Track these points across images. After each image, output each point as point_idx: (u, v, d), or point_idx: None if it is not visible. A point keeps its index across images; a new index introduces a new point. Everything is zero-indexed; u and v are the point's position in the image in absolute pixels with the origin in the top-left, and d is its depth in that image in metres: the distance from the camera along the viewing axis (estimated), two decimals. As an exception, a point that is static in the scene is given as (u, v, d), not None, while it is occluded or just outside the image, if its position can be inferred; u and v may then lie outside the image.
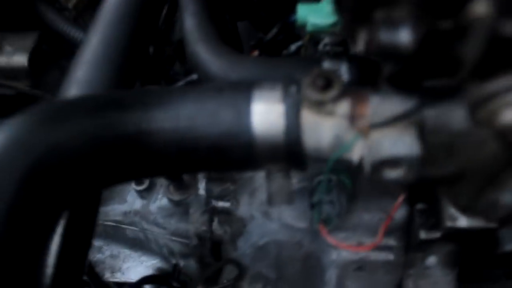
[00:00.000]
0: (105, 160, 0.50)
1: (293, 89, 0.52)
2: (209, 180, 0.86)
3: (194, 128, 0.52)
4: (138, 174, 0.58)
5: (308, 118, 0.51)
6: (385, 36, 0.42)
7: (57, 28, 1.07)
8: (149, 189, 0.95)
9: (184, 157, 0.54)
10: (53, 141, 0.46)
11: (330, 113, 0.49)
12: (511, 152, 0.46)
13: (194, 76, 0.84)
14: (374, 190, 0.70)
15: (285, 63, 0.65)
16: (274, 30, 0.71)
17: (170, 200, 0.90)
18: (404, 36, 0.41)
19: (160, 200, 0.93)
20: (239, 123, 0.52)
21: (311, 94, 0.50)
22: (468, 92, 0.40)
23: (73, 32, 1.06)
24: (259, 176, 0.80)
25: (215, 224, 0.86)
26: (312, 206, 0.67)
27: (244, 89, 0.53)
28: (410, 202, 0.68)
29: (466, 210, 0.58)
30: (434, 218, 0.63)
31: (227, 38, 0.74)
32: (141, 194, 0.95)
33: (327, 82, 0.50)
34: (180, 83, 0.84)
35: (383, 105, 0.47)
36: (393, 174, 0.48)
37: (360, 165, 0.51)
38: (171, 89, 0.57)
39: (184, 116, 0.53)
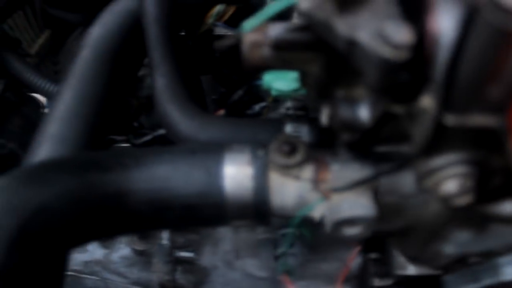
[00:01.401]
0: (86, 220, 0.53)
1: (260, 152, 0.57)
2: (172, 230, 0.89)
3: (168, 189, 0.56)
4: (114, 232, 0.61)
5: (274, 180, 0.56)
6: (345, 112, 0.48)
7: (21, 76, 1.08)
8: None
9: (158, 216, 0.57)
10: (40, 203, 0.48)
11: (295, 176, 0.54)
12: (450, 212, 0.53)
13: (161, 131, 0.88)
14: (331, 242, 0.75)
15: (251, 125, 0.71)
16: (240, 92, 0.77)
17: (133, 249, 0.92)
18: (363, 113, 0.48)
19: (123, 250, 0.95)
20: (211, 184, 0.56)
21: (278, 158, 0.55)
22: (416, 165, 0.46)
23: (37, 81, 1.08)
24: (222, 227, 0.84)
25: (178, 274, 0.88)
26: (276, 257, 0.71)
27: (215, 152, 0.58)
28: (364, 252, 0.73)
29: (414, 259, 0.65)
30: (386, 267, 0.69)
31: (193, 93, 0.79)
32: (103, 243, 0.96)
33: (292, 148, 0.55)
34: (147, 137, 0.88)
35: (343, 171, 0.52)
36: (351, 231, 0.53)
37: (321, 223, 0.56)
38: (146, 150, 0.60)
39: (159, 177, 0.56)
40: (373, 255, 0.71)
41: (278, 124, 0.69)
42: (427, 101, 0.40)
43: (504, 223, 0.53)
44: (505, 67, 0.35)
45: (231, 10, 0.84)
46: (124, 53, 0.80)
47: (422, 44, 0.38)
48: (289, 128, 0.68)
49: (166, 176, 0.56)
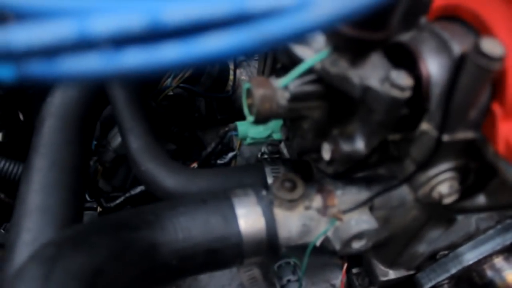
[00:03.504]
0: (128, 277, 0.56)
1: (263, 192, 0.65)
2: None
3: (191, 237, 0.61)
4: (146, 285, 0.63)
5: (280, 214, 0.64)
6: (345, 146, 0.59)
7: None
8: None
9: (185, 264, 0.62)
10: (96, 267, 0.51)
11: (306, 207, 0.62)
12: (430, 214, 0.66)
13: (133, 192, 0.90)
14: (317, 265, 0.83)
15: (234, 172, 0.78)
16: (213, 145, 0.83)
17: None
18: (360, 145, 0.59)
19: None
20: (228, 227, 0.62)
21: (282, 194, 0.63)
22: (414, 179, 0.58)
23: None
24: (203, 277, 0.88)
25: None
26: (283, 287, 0.78)
27: (223, 198, 0.65)
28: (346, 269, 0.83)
29: (391, 264, 0.76)
30: (369, 278, 0.80)
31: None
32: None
33: (293, 184, 0.64)
34: (120, 199, 0.90)
35: (345, 195, 0.63)
36: (358, 245, 0.63)
37: (322, 245, 0.65)
38: (160, 206, 0.64)
39: (181, 228, 0.61)
40: (354, 270, 0.81)
41: (258, 168, 0.77)
42: (425, 126, 0.52)
43: (470, 214, 0.68)
44: (481, 95, 0.49)
45: (188, 73, 0.91)
46: (88, 118, 0.82)
47: (419, 85, 0.50)
48: (268, 170, 0.76)
49: (187, 226, 0.61)
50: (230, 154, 0.86)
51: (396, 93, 0.49)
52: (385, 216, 0.66)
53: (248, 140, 0.78)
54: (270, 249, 0.64)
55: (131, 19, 0.28)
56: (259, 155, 0.82)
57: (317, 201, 0.62)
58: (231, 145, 0.88)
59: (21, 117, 1.14)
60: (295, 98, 0.55)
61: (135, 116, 0.81)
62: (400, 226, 0.68)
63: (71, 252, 0.51)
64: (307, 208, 0.62)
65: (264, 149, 0.82)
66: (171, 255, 0.60)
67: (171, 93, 0.98)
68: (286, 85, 0.53)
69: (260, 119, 0.57)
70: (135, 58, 0.28)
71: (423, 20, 0.54)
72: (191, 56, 0.28)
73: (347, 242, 0.62)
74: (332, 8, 0.30)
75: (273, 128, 0.77)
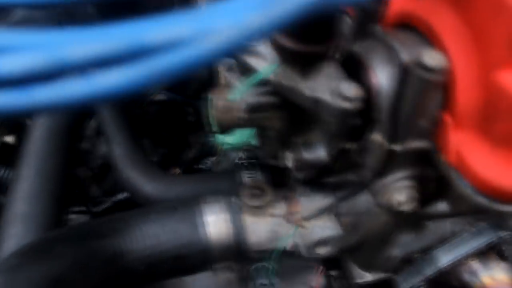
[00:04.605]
0: (92, 285, 0.58)
1: (233, 199, 0.66)
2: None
3: (159, 244, 0.63)
4: None
5: (248, 220, 0.65)
6: (308, 155, 0.60)
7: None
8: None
9: (153, 270, 0.64)
10: (56, 276, 0.53)
11: (270, 214, 0.64)
12: (397, 220, 0.66)
13: (120, 197, 0.93)
14: (296, 267, 0.85)
15: (211, 178, 0.79)
16: (193, 151, 0.85)
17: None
18: (321, 154, 0.59)
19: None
20: (196, 233, 0.64)
21: (250, 201, 0.65)
22: (372, 186, 0.58)
23: None
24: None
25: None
26: None
27: (194, 205, 0.66)
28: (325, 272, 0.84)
29: (368, 267, 0.77)
30: (347, 280, 0.80)
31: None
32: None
33: (261, 190, 0.65)
34: (106, 204, 0.92)
35: (309, 202, 0.64)
36: (323, 250, 0.64)
37: (293, 250, 0.66)
38: (133, 213, 0.66)
39: (150, 235, 0.63)
40: (332, 273, 0.82)
41: (235, 173, 0.78)
42: (376, 136, 0.52)
43: (437, 220, 0.67)
44: (429, 105, 0.49)
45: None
46: (73, 128, 0.86)
47: (368, 96, 0.51)
48: (245, 176, 0.78)
49: (156, 233, 0.64)
50: (212, 159, 0.87)
51: (345, 104, 0.49)
52: (353, 221, 0.66)
53: (226, 146, 0.79)
54: (239, 255, 0.66)
55: (34, 58, 0.29)
56: (236, 160, 0.83)
57: (281, 208, 0.63)
58: (214, 150, 0.89)
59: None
60: (252, 109, 0.56)
61: (118, 124, 0.84)
62: (370, 231, 0.68)
63: (33, 262, 0.53)
64: (272, 215, 0.63)
65: (241, 154, 0.83)
66: (138, 262, 0.62)
67: (163, 98, 1.00)
68: (240, 96, 0.54)
69: (222, 129, 0.58)
70: (42, 95, 0.30)
71: (377, 28, 0.54)
72: (91, 92, 0.29)
73: (312, 248, 0.63)
74: (232, 34, 0.31)
75: (250, 134, 0.78)
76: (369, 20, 0.54)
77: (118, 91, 0.29)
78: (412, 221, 0.67)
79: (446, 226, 0.72)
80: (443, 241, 0.73)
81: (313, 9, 0.34)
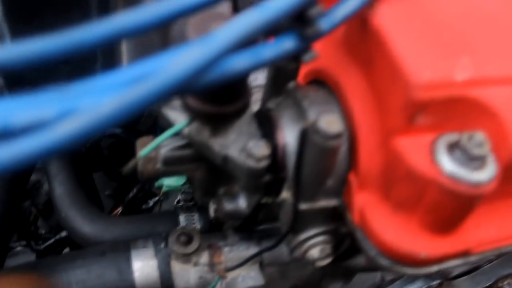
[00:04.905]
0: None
1: (162, 245, 0.67)
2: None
3: (85, 291, 0.63)
4: None
5: (177, 267, 0.65)
6: (228, 205, 0.60)
7: None
8: None
9: (77, 317, 0.64)
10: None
11: (194, 263, 0.64)
12: (322, 270, 0.66)
13: (63, 234, 0.93)
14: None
15: (148, 220, 0.79)
16: (134, 191, 0.86)
17: None
18: (242, 204, 0.60)
19: None
20: (122, 280, 0.64)
21: (177, 248, 0.65)
22: (288, 241, 0.59)
23: None
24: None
25: None
26: None
27: (122, 250, 0.66)
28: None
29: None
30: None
31: (89, 194, 0.86)
32: None
33: (189, 237, 0.66)
34: (49, 242, 0.92)
35: (233, 252, 0.64)
36: (248, 300, 0.64)
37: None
38: (59, 258, 0.66)
39: (75, 281, 0.63)
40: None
41: (173, 215, 0.79)
42: (285, 194, 0.53)
43: (361, 271, 0.68)
44: (333, 167, 0.50)
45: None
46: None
47: (276, 154, 0.52)
48: (182, 218, 0.78)
49: (82, 279, 0.64)
50: (152, 200, 0.88)
51: (251, 163, 0.50)
52: (279, 270, 0.66)
53: (165, 188, 0.80)
54: (167, 301, 0.66)
55: None
56: (175, 203, 0.84)
57: (204, 257, 0.64)
58: (156, 190, 0.90)
59: None
60: (167, 162, 0.56)
61: (61, 162, 0.84)
62: (300, 279, 0.69)
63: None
64: (196, 264, 0.64)
65: (179, 197, 0.83)
66: (63, 309, 0.62)
67: (118, 131, 1.00)
68: (154, 149, 0.55)
69: (145, 178, 0.59)
70: None
71: (291, 85, 0.55)
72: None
73: (235, 298, 0.63)
74: (98, 113, 0.31)
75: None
76: (288, 78, 0.55)
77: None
78: (336, 272, 0.68)
79: (376, 274, 0.73)
80: (373, 288, 0.74)
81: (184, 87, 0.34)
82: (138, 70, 0.36)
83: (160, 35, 0.58)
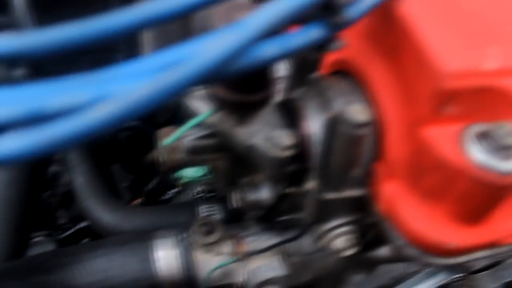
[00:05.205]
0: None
1: (184, 235, 0.67)
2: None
3: (107, 279, 0.64)
4: None
5: (199, 256, 0.65)
6: (251, 195, 0.60)
7: None
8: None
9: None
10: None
11: (216, 252, 0.64)
12: (345, 261, 0.66)
13: (83, 224, 0.93)
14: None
15: (169, 210, 0.80)
16: (154, 181, 0.86)
17: None
18: (264, 195, 0.60)
19: None
20: (145, 269, 0.64)
21: (199, 238, 0.65)
22: (313, 230, 0.59)
23: None
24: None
25: None
26: None
27: (144, 239, 0.67)
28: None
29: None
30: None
31: (109, 186, 0.87)
32: None
33: (210, 228, 0.66)
34: (70, 231, 0.93)
35: (255, 242, 0.64)
36: (270, 290, 0.64)
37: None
38: (81, 247, 0.67)
39: (98, 270, 0.64)
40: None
41: (193, 206, 0.79)
42: (310, 184, 0.53)
43: (384, 263, 0.67)
44: (360, 157, 0.49)
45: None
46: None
47: (302, 144, 0.51)
48: (203, 209, 0.78)
49: (104, 268, 0.64)
50: (173, 191, 0.88)
51: (276, 152, 0.50)
52: (303, 261, 0.66)
53: (185, 179, 0.80)
54: (188, 290, 0.66)
55: None
56: (195, 194, 0.84)
57: (227, 247, 0.64)
58: (176, 182, 0.90)
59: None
60: (191, 151, 0.56)
61: (82, 153, 0.84)
62: (322, 270, 0.68)
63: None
64: (218, 253, 0.64)
65: (199, 188, 0.83)
66: (87, 298, 0.63)
67: (135, 123, 1.01)
68: (178, 138, 0.55)
69: (167, 168, 0.59)
70: None
71: (314, 76, 0.55)
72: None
73: (260, 287, 0.63)
74: (132, 98, 0.31)
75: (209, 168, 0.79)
76: (311, 69, 0.55)
77: (13, 158, 0.30)
78: (360, 263, 0.67)
79: (399, 266, 0.73)
80: (396, 281, 0.73)
81: (215, 74, 0.34)
82: (167, 57, 0.35)
83: (178, 26, 0.58)
